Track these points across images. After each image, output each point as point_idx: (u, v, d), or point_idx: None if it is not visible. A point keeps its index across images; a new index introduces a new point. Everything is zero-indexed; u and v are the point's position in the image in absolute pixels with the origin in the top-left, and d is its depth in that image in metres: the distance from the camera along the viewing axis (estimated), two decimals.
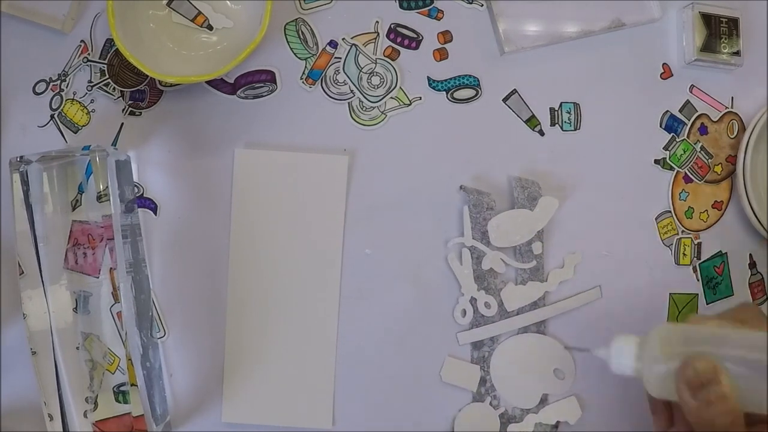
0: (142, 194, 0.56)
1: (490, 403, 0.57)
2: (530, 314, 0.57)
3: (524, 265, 0.57)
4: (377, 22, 0.57)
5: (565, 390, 0.57)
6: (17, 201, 0.49)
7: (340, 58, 0.57)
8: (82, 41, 0.56)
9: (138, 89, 0.56)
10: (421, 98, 0.58)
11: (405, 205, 0.57)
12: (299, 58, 0.57)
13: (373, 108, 0.57)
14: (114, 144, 0.56)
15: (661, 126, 0.60)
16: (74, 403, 0.49)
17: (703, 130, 0.61)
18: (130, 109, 0.56)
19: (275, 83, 0.57)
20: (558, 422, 0.57)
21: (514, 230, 0.56)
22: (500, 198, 0.57)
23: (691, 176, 0.60)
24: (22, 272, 0.50)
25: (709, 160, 0.61)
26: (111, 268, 0.49)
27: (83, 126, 0.56)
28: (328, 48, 0.57)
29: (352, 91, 0.57)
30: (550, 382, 0.57)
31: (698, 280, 0.60)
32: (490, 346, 0.57)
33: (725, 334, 0.42)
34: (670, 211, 0.60)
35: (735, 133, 0.61)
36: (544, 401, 0.57)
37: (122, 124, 0.56)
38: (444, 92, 0.58)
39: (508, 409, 0.57)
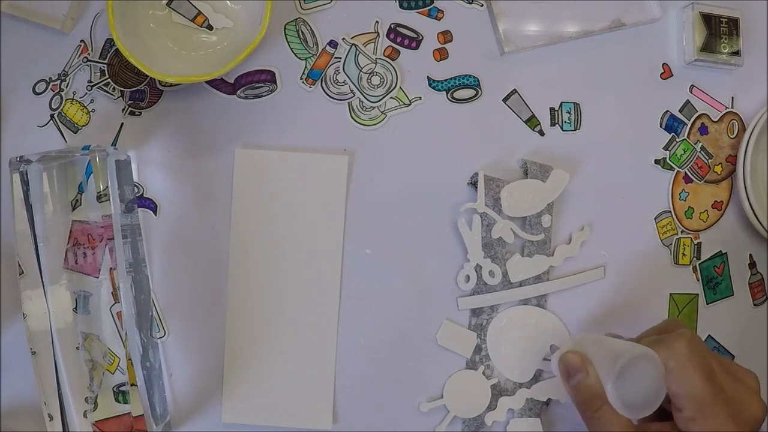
0: (142, 194, 0.56)
1: (483, 372, 0.57)
2: (533, 287, 0.57)
3: (533, 237, 0.57)
4: (377, 22, 0.57)
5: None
6: (17, 201, 0.49)
7: (340, 58, 0.57)
8: (82, 41, 0.56)
9: (138, 89, 0.56)
10: (421, 98, 0.58)
11: (405, 205, 0.57)
12: (299, 58, 0.57)
13: (373, 108, 0.57)
14: (114, 144, 0.56)
15: (661, 126, 0.60)
16: (74, 403, 0.49)
17: (703, 130, 0.61)
18: (130, 109, 0.56)
19: (275, 83, 0.57)
20: (549, 399, 0.57)
21: (526, 200, 0.56)
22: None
23: (691, 176, 0.60)
24: (22, 272, 0.50)
25: (709, 160, 0.61)
26: (111, 268, 0.49)
27: (83, 126, 0.56)
28: (328, 48, 0.57)
29: (352, 91, 0.57)
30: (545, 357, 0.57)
31: (698, 280, 0.60)
32: (489, 314, 0.57)
33: (601, 339, 0.52)
34: (669, 211, 0.60)
35: (735, 133, 0.61)
36: (537, 377, 0.57)
37: (122, 124, 0.56)
38: (444, 92, 0.58)
39: (501, 380, 0.57)
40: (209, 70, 0.52)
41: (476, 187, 0.56)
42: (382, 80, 0.57)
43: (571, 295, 0.58)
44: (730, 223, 0.61)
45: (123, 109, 0.56)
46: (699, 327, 0.60)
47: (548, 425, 0.58)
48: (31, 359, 0.49)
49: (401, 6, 0.58)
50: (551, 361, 0.53)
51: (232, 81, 0.57)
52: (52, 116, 0.56)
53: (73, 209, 0.50)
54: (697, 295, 0.60)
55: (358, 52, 0.57)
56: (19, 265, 0.50)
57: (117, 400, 0.50)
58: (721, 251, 0.61)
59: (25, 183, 0.49)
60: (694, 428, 0.45)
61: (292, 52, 0.57)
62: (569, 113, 0.59)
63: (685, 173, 0.60)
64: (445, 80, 0.58)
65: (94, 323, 0.50)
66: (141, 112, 0.56)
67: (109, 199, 0.49)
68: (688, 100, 0.60)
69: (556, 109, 0.59)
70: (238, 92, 0.57)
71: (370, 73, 0.57)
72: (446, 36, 0.58)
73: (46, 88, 0.56)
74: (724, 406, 0.45)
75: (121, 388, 0.50)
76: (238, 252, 0.56)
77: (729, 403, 0.45)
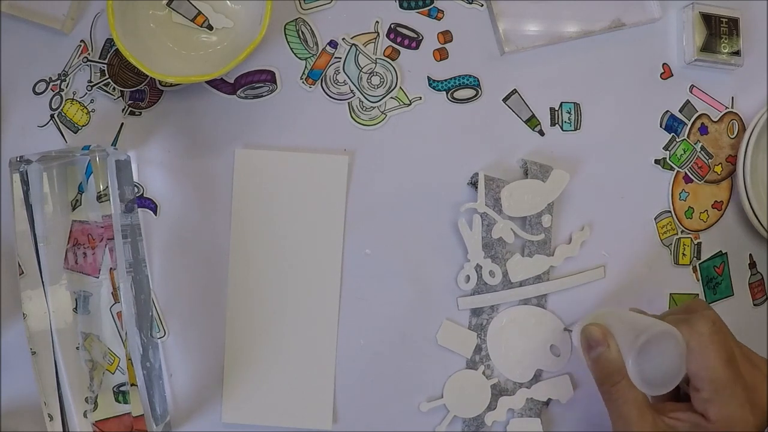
0: (142, 194, 0.56)
1: (483, 372, 0.57)
2: (533, 287, 0.57)
3: (533, 237, 0.57)
4: (377, 22, 0.57)
5: (560, 367, 0.58)
6: (17, 201, 0.49)
7: (340, 58, 0.57)
8: (82, 41, 0.56)
9: (138, 89, 0.56)
10: (421, 98, 0.58)
11: (405, 205, 0.57)
12: (299, 58, 0.57)
13: (373, 108, 0.57)
14: (114, 144, 0.56)
15: (661, 126, 0.60)
16: (74, 403, 0.49)
17: (703, 130, 0.61)
18: (130, 109, 0.56)
19: (275, 83, 0.57)
20: (549, 399, 0.57)
21: (526, 200, 0.56)
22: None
23: (691, 176, 0.60)
24: (22, 272, 0.50)
25: (709, 160, 0.61)
26: (111, 268, 0.49)
27: (83, 126, 0.56)
28: (328, 48, 0.57)
29: (352, 91, 0.57)
30: (546, 358, 0.57)
31: (698, 280, 0.60)
32: (489, 314, 0.57)
33: (625, 314, 0.52)
34: (669, 211, 0.60)
35: (735, 133, 0.61)
36: (537, 377, 0.57)
37: (122, 124, 0.56)
38: (444, 92, 0.58)
39: (501, 380, 0.57)
40: (209, 70, 0.52)
41: (476, 187, 0.56)
42: (382, 80, 0.57)
43: (571, 295, 0.58)
44: (730, 223, 0.61)
45: (123, 109, 0.56)
46: None
47: (548, 425, 0.58)
48: (31, 359, 0.49)
49: (401, 6, 0.58)
50: (572, 332, 0.53)
51: (232, 81, 0.57)
52: (52, 116, 0.56)
53: (73, 209, 0.50)
54: (697, 295, 0.60)
55: (358, 52, 0.57)
56: (19, 265, 0.50)
57: (117, 400, 0.50)
58: (721, 251, 0.61)
59: (25, 183, 0.49)
60: (711, 410, 0.46)
61: (292, 52, 0.57)
62: (569, 113, 0.59)
63: (685, 173, 0.60)
64: (445, 80, 0.58)
65: (94, 323, 0.50)
66: (141, 112, 0.56)
67: (109, 199, 0.49)
68: (688, 100, 0.60)
69: (556, 109, 0.59)
70: (238, 92, 0.57)
71: (370, 73, 0.57)
72: (446, 36, 0.58)
73: (46, 88, 0.56)
74: (741, 391, 0.45)
75: (121, 388, 0.50)
76: (238, 252, 0.56)
77: (746, 389, 0.46)
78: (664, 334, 0.46)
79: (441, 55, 0.58)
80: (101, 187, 0.49)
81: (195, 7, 0.55)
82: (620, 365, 0.47)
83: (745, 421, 0.45)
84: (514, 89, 0.58)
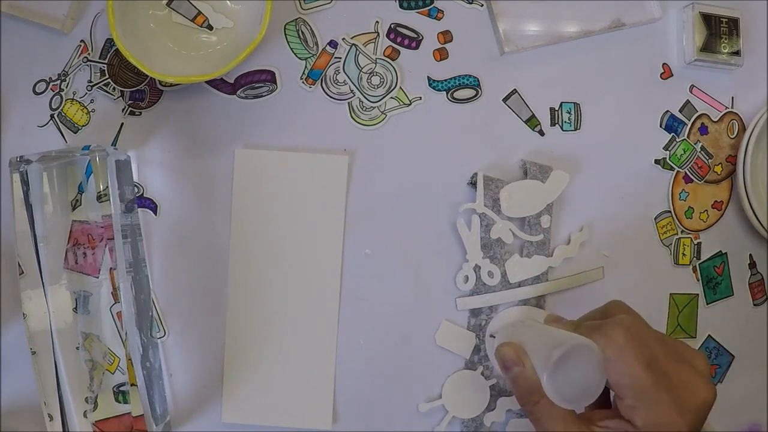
0: (142, 194, 0.56)
1: (482, 373, 0.57)
2: (532, 288, 0.57)
3: (532, 237, 0.57)
4: (377, 22, 0.57)
5: None
6: (17, 201, 0.49)
7: (340, 58, 0.57)
8: (82, 41, 0.56)
9: (138, 89, 0.56)
10: (421, 98, 0.58)
11: (405, 205, 0.57)
12: (299, 58, 0.57)
13: (373, 108, 0.57)
14: (114, 144, 0.56)
15: (661, 126, 0.60)
16: (74, 403, 0.49)
17: (703, 130, 0.61)
18: (130, 109, 0.56)
19: (275, 83, 0.57)
20: None
21: (525, 200, 0.56)
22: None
23: (691, 176, 0.60)
24: (22, 272, 0.50)
25: (709, 160, 0.61)
26: (111, 268, 0.49)
27: (83, 126, 0.56)
28: (328, 48, 0.57)
29: (352, 91, 0.57)
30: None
31: (698, 280, 0.60)
32: (488, 315, 0.57)
33: (538, 327, 0.52)
34: (669, 211, 0.60)
35: (735, 133, 0.61)
36: None
37: (122, 124, 0.56)
38: (444, 92, 0.58)
39: (500, 381, 0.57)
40: (209, 70, 0.52)
41: (476, 188, 0.56)
42: (382, 80, 0.57)
43: (570, 295, 0.58)
44: (730, 223, 0.61)
45: (123, 109, 0.56)
46: (699, 327, 0.60)
47: None
48: (31, 359, 0.49)
49: (401, 6, 0.58)
50: (489, 350, 0.52)
51: (232, 81, 0.57)
52: (52, 116, 0.56)
53: (73, 209, 0.50)
54: (697, 295, 0.60)
55: (358, 52, 0.57)
56: (19, 265, 0.50)
57: (117, 400, 0.50)
58: (721, 251, 0.61)
59: (25, 183, 0.49)
60: (636, 417, 0.44)
61: (292, 52, 0.57)
62: (569, 113, 0.59)
63: (685, 173, 0.60)
64: (445, 80, 0.58)
65: (94, 323, 0.50)
66: (141, 112, 0.56)
67: (109, 199, 0.49)
68: (688, 100, 0.60)
69: (556, 109, 0.59)
70: (238, 92, 0.57)
71: (370, 73, 0.57)
72: (446, 36, 0.58)
73: (46, 88, 0.56)
74: (666, 393, 0.44)
75: (121, 388, 0.50)
76: (238, 252, 0.56)
77: (672, 390, 0.44)
78: (579, 347, 0.44)
79: (441, 55, 0.58)
80: (101, 187, 0.49)
81: (195, 7, 0.55)
82: (537, 384, 0.45)
83: (673, 424, 0.43)
84: (514, 89, 0.58)
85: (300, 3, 0.57)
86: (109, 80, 0.56)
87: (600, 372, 0.44)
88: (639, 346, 0.45)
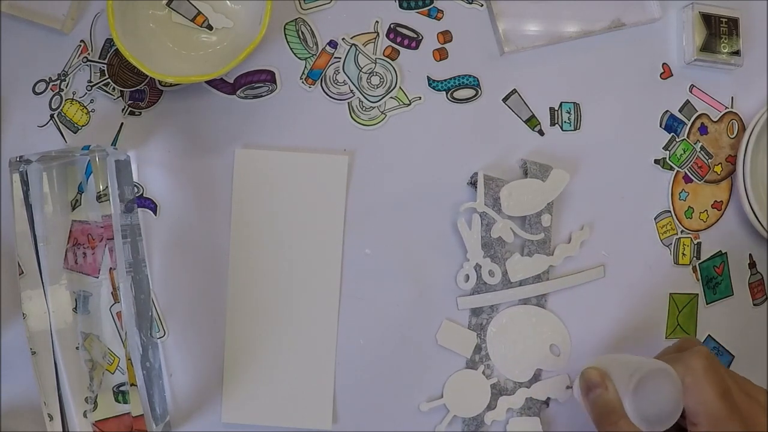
0: (142, 194, 0.56)
1: (483, 372, 0.57)
2: (533, 287, 0.57)
3: (532, 236, 0.57)
4: (377, 22, 0.57)
5: (559, 367, 0.58)
6: (17, 201, 0.49)
7: (340, 58, 0.57)
8: (81, 41, 0.56)
9: (138, 89, 0.56)
10: (421, 98, 0.58)
11: (405, 205, 0.57)
12: (299, 58, 0.57)
13: (373, 108, 0.57)
14: (114, 144, 0.56)
15: (661, 126, 0.60)
16: (74, 403, 0.49)
17: (703, 130, 0.61)
18: (130, 109, 0.56)
19: (275, 83, 0.57)
20: (549, 399, 0.57)
21: (525, 199, 0.56)
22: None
23: (691, 176, 0.60)
24: (22, 272, 0.50)
25: (709, 160, 0.61)
26: (111, 268, 0.49)
27: (83, 126, 0.56)
28: (328, 48, 0.57)
29: (351, 91, 0.57)
30: (545, 357, 0.57)
31: (698, 280, 0.60)
32: (489, 314, 0.57)
33: (620, 357, 0.53)
34: (669, 211, 0.60)
35: (735, 133, 0.61)
36: (537, 376, 0.57)
37: (122, 124, 0.56)
38: (444, 92, 0.58)
39: (501, 380, 0.57)
40: (209, 70, 0.52)
41: (476, 187, 0.56)
42: (381, 80, 0.57)
43: (571, 294, 0.58)
44: (730, 223, 0.61)
45: (123, 109, 0.56)
46: (699, 327, 0.60)
47: (548, 425, 0.58)
48: (31, 359, 0.49)
49: (401, 6, 0.58)
50: (574, 384, 0.53)
51: (232, 81, 0.57)
52: (52, 116, 0.56)
53: (73, 209, 0.50)
54: (697, 295, 0.60)
55: (357, 52, 0.57)
56: (19, 265, 0.50)
57: (117, 400, 0.50)
58: (721, 251, 0.61)
59: (25, 183, 0.49)
60: None
61: (292, 52, 0.57)
62: (569, 113, 0.59)
63: (685, 173, 0.60)
64: (445, 80, 0.58)
65: (94, 323, 0.50)
66: (141, 112, 0.56)
67: (109, 199, 0.49)
68: (688, 100, 0.60)
69: (556, 109, 0.59)
70: (238, 92, 0.57)
71: (370, 73, 0.57)
72: (446, 36, 0.58)
73: (46, 88, 0.56)
74: (738, 423, 0.46)
75: (121, 388, 0.50)
76: (238, 252, 0.56)
77: (743, 421, 0.46)
78: (659, 371, 0.47)
79: (441, 55, 0.58)
80: (101, 187, 0.49)
81: (195, 7, 0.55)
82: (618, 405, 0.48)
83: None
84: (514, 89, 0.58)
85: (300, 3, 0.57)
86: (109, 80, 0.56)
87: (678, 397, 0.47)
88: (716, 375, 0.47)
